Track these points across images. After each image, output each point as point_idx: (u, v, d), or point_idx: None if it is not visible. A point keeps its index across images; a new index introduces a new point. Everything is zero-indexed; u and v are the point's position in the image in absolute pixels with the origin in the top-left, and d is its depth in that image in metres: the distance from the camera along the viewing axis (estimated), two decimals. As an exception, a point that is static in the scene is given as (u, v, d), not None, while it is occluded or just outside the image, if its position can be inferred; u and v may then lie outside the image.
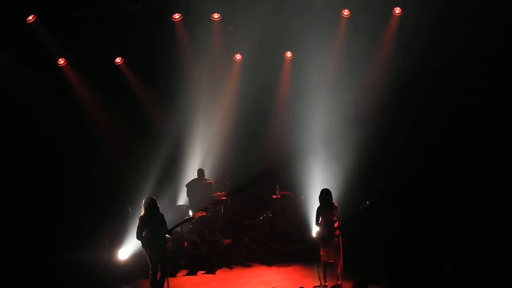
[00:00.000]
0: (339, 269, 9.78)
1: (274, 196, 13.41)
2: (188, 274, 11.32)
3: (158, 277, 9.39)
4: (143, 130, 14.12)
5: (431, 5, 12.14)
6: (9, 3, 11.46)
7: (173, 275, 10.95)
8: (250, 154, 14.48)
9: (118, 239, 11.61)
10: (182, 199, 13.68)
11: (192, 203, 13.06)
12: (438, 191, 12.97)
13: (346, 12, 13.13)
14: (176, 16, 12.94)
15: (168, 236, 9.54)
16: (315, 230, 10.39)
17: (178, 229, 11.46)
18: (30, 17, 11.89)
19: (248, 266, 11.81)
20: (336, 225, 9.79)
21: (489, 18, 12.14)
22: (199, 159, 14.25)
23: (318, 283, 10.05)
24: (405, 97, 13.27)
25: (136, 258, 11.28)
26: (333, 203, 9.96)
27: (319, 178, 13.28)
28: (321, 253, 9.96)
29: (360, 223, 10.67)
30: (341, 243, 9.84)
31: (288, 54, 14.28)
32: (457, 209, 12.59)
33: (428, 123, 13.31)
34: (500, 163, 12.62)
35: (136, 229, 9.35)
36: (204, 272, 11.39)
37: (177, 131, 14.22)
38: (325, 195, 9.94)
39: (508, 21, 12.08)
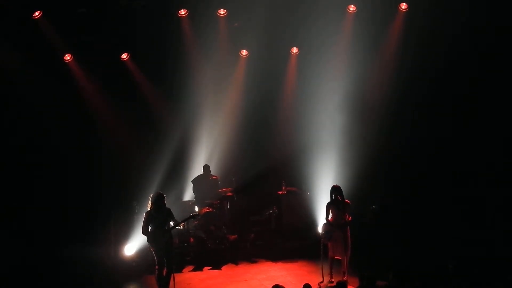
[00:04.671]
0: (345, 266, 9.82)
1: (280, 192, 13.40)
2: (194, 270, 11.33)
3: (164, 273, 9.42)
4: (149, 126, 14.14)
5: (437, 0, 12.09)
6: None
7: (179, 270, 10.97)
8: (256, 150, 14.49)
9: (124, 235, 11.66)
10: (188, 195, 13.67)
11: (198, 199, 13.06)
12: (446, 188, 12.90)
13: (352, 8, 13.14)
14: (182, 12, 12.93)
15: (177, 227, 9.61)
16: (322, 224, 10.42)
17: (184, 224, 11.52)
18: (36, 13, 11.91)
19: (254, 262, 11.80)
20: (343, 221, 9.83)
21: (492, 15, 12.07)
22: (205, 155, 14.24)
23: (322, 279, 10.05)
24: (411, 93, 13.21)
25: (142, 254, 11.31)
26: (344, 200, 10.06)
27: (325, 174, 13.26)
28: (329, 248, 10.00)
29: (368, 220, 10.65)
30: (349, 240, 9.89)
31: (294, 50, 14.24)
32: (464, 206, 12.52)
33: (435, 119, 13.25)
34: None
35: (142, 223, 9.39)
36: (210, 268, 11.41)
37: (183, 127, 14.23)
38: (334, 191, 10.05)
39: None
